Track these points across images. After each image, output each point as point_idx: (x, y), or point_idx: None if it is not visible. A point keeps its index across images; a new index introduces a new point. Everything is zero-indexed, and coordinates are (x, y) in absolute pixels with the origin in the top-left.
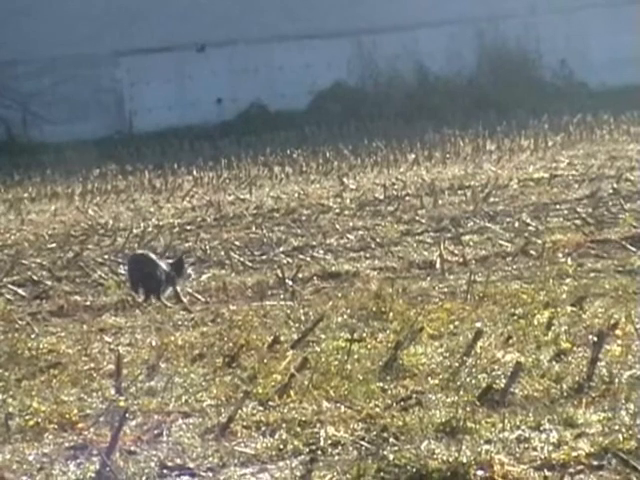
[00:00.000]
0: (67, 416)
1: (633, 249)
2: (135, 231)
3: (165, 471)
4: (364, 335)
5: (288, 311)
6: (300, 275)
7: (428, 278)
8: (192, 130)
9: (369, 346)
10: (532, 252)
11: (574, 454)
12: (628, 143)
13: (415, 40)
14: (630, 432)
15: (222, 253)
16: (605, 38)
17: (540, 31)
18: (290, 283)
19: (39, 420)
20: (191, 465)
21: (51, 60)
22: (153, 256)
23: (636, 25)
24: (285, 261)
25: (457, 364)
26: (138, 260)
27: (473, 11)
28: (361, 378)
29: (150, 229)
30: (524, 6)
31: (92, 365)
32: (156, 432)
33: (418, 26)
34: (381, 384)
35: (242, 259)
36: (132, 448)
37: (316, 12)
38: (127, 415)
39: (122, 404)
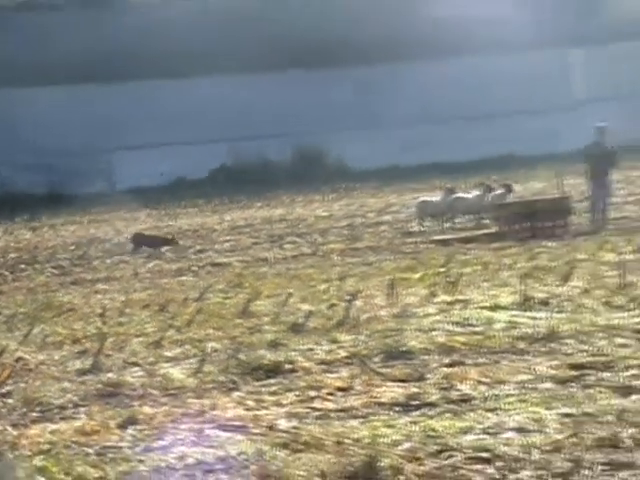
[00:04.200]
0: (77, 336)
1: (372, 253)
2: None
3: (126, 365)
4: (232, 295)
5: (193, 282)
6: (201, 264)
7: (266, 266)
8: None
9: (234, 301)
10: (319, 253)
11: (337, 356)
12: (369, 199)
13: (262, 145)
14: (365, 345)
15: None
16: (360, 145)
17: (329, 138)
18: (196, 268)
19: (61, 338)
20: (140, 362)
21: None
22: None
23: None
24: (193, 257)
25: (277, 310)
26: (139, 234)
27: (293, 128)
28: (230, 317)
29: None
30: (320, 123)
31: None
32: (123, 344)
33: (266, 137)
34: (240, 321)
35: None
36: (110, 352)
37: (205, 126)
38: (107, 336)
39: (105, 330)
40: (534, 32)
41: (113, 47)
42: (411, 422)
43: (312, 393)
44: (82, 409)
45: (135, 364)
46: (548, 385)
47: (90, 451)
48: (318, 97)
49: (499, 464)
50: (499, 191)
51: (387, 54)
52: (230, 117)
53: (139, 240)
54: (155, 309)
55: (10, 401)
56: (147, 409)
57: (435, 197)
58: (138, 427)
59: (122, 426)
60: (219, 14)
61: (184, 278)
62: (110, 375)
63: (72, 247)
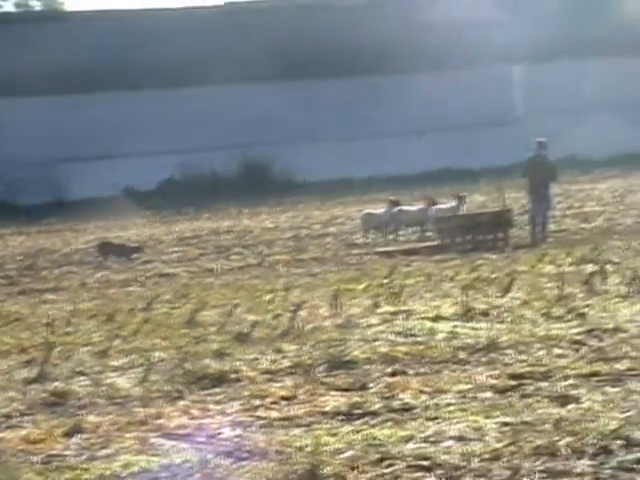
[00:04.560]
0: (24, 345)
1: (317, 264)
2: None
3: (73, 374)
4: (178, 305)
5: (140, 292)
6: (148, 274)
7: (213, 277)
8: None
9: (181, 311)
10: (265, 264)
11: (281, 366)
12: (314, 211)
13: (211, 157)
14: (309, 355)
15: None
16: (307, 158)
17: (276, 151)
18: (143, 279)
19: (8, 347)
20: (86, 371)
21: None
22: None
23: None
24: (140, 267)
25: (223, 320)
26: (106, 242)
27: (241, 140)
28: (176, 327)
29: None
30: (268, 136)
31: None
32: (70, 354)
33: (214, 149)
34: (186, 330)
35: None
36: (56, 362)
37: (154, 138)
38: (54, 346)
39: (52, 340)
40: (479, 50)
41: (66, 60)
42: (353, 431)
43: (256, 402)
44: (28, 418)
45: (81, 373)
46: (488, 394)
47: (36, 459)
48: (266, 110)
49: (439, 472)
50: (452, 203)
51: (339, 69)
52: (179, 129)
53: (106, 249)
54: (102, 319)
55: None
56: (93, 418)
57: (379, 209)
58: (83, 436)
59: (68, 435)
60: (164, 28)
61: (131, 288)
62: (56, 384)
63: (20, 257)
